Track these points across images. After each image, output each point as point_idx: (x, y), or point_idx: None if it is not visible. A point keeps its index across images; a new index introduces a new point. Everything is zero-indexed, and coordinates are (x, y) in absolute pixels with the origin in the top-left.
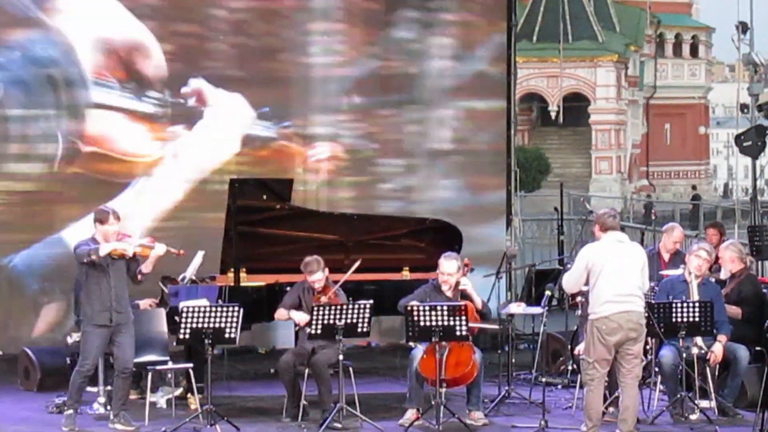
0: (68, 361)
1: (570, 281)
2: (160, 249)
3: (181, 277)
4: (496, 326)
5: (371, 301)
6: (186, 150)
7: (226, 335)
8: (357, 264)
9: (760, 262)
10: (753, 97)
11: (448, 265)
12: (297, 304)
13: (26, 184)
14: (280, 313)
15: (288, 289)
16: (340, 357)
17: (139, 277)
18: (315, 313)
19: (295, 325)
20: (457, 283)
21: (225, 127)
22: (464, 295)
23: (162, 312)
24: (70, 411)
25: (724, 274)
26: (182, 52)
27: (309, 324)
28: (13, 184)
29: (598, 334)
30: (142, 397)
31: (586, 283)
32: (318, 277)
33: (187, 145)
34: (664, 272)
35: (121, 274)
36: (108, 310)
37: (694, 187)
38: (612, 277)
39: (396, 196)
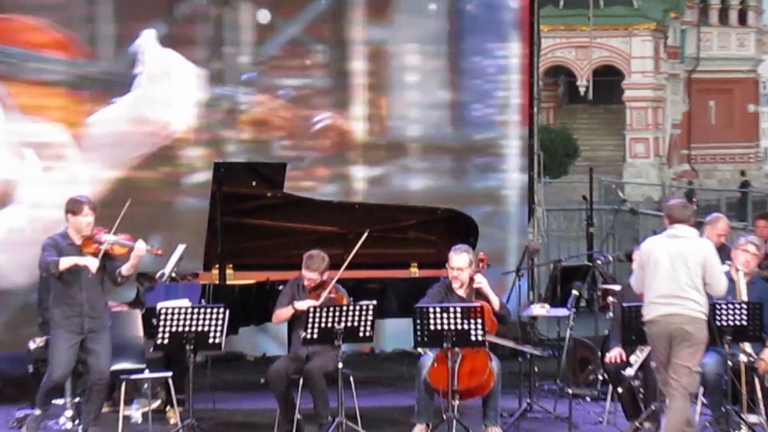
0: (31, 369)
1: (635, 282)
2: (140, 248)
3: (159, 274)
4: (531, 348)
5: (375, 302)
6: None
7: (210, 340)
8: (364, 236)
9: None
10: None
11: (459, 258)
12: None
13: None
14: (280, 313)
15: (281, 288)
16: (340, 365)
17: (119, 279)
18: (311, 314)
19: (296, 318)
20: (471, 281)
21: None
22: (480, 294)
23: (137, 314)
24: (38, 412)
25: None
26: None
27: (305, 326)
28: None
29: (648, 339)
30: (115, 410)
31: None
32: (313, 276)
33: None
34: None
35: (95, 276)
36: (79, 316)
37: (742, 173)
38: (657, 276)
39: (400, 183)
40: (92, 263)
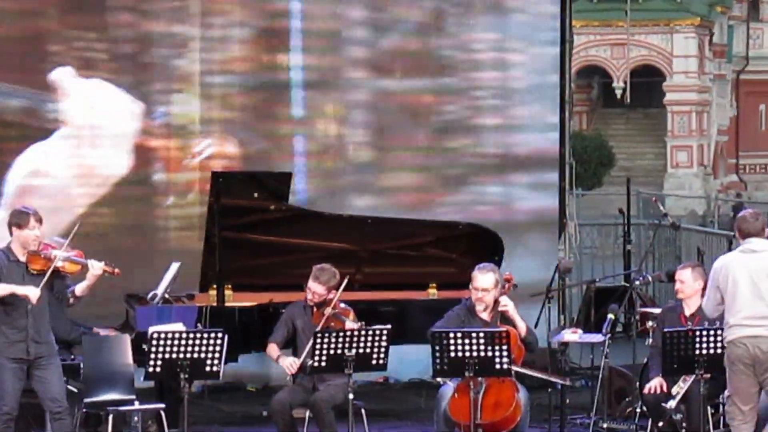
0: None
1: (707, 304)
2: (95, 267)
3: (150, 295)
4: (560, 379)
5: (389, 327)
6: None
7: (207, 368)
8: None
9: None
10: None
11: (484, 278)
12: (290, 335)
13: None
14: (270, 350)
15: (284, 311)
16: (350, 396)
17: (71, 300)
18: (319, 340)
19: (296, 337)
20: (497, 303)
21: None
22: (505, 319)
23: (126, 339)
24: None
25: None
26: None
27: (305, 361)
28: None
29: (728, 363)
30: None
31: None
32: (319, 290)
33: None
34: None
35: (44, 294)
36: (24, 341)
37: None
38: (738, 297)
39: (421, 196)
40: (33, 293)
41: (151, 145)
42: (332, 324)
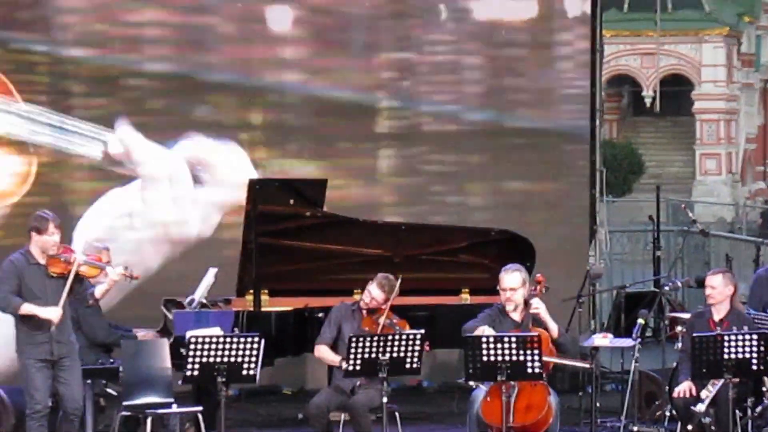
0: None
1: None
2: (113, 273)
3: (188, 300)
4: (584, 363)
5: (422, 331)
6: None
7: (244, 372)
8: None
9: None
10: None
11: (509, 278)
12: (336, 335)
13: None
14: (323, 351)
15: (321, 315)
16: (384, 399)
17: (90, 301)
18: (354, 344)
19: (338, 348)
20: (528, 305)
21: None
22: (537, 321)
23: (165, 343)
24: None
25: None
26: None
27: (346, 358)
28: None
29: None
30: None
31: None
32: (379, 296)
33: None
34: None
35: (62, 298)
36: (48, 342)
37: None
38: None
39: (452, 203)
40: (55, 316)
41: None
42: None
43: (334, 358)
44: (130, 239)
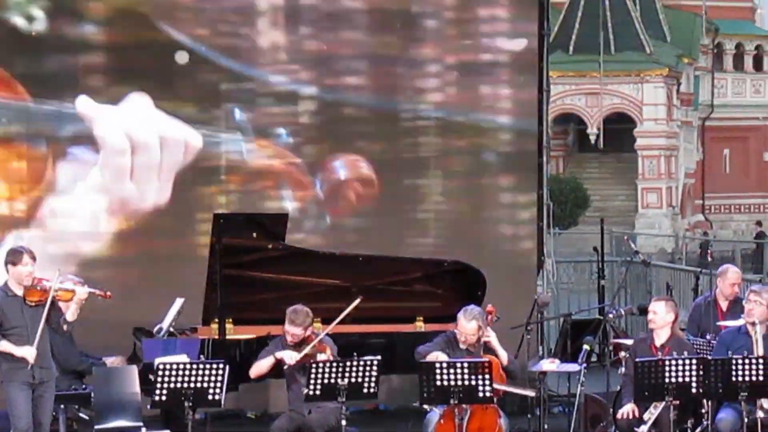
0: None
1: None
2: (81, 292)
3: (156, 328)
4: (530, 392)
5: (379, 357)
6: None
7: (210, 397)
8: (355, 303)
9: None
10: None
11: (468, 326)
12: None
13: None
14: (259, 365)
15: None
16: (343, 422)
17: (65, 326)
18: (313, 370)
19: (283, 371)
20: (479, 337)
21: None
22: (487, 349)
23: (134, 370)
24: None
25: None
26: None
27: (306, 384)
28: None
29: None
30: None
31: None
32: (296, 331)
33: None
34: (722, 323)
35: (40, 327)
36: (30, 367)
37: (758, 223)
38: None
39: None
40: (30, 355)
41: None
42: (310, 359)
43: (266, 361)
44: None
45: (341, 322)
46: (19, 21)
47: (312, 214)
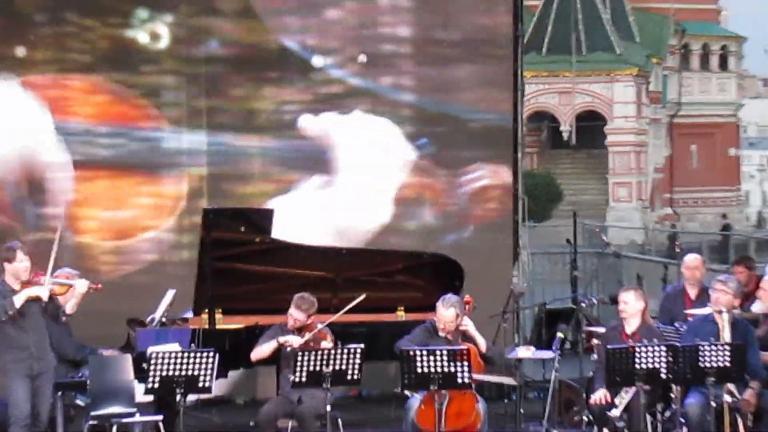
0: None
1: None
2: (80, 286)
3: (149, 318)
4: (509, 379)
5: (362, 346)
6: None
7: (200, 384)
8: (359, 299)
9: None
10: None
11: (447, 313)
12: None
13: None
14: (261, 349)
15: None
16: (328, 408)
17: (63, 318)
18: (299, 358)
19: (280, 353)
20: (457, 325)
21: None
22: (466, 337)
23: (128, 358)
24: None
25: (758, 308)
26: None
27: (293, 371)
28: None
29: None
30: None
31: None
32: (300, 316)
33: None
34: (690, 311)
35: (39, 318)
36: (29, 358)
37: (724, 216)
38: None
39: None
40: (43, 292)
41: None
42: (312, 345)
43: (268, 345)
44: None
45: (325, 312)
46: None
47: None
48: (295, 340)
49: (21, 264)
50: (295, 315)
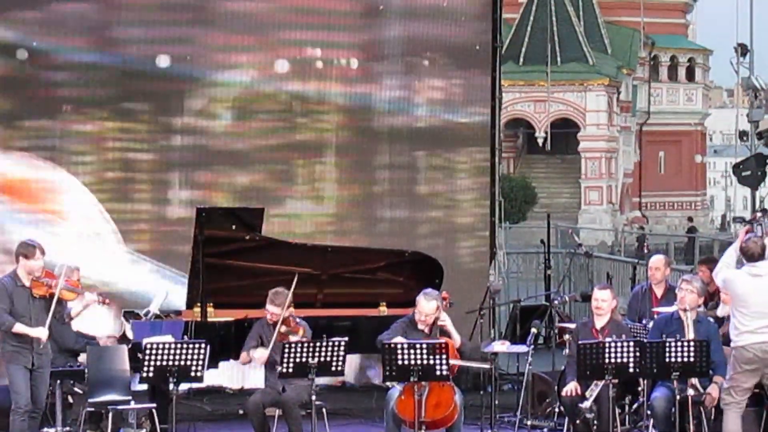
0: None
1: (723, 309)
2: (90, 299)
3: (144, 311)
4: (484, 364)
5: (346, 338)
6: None
7: (192, 373)
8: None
9: None
10: (752, 123)
11: (428, 305)
12: (258, 345)
13: None
14: (243, 357)
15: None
16: (313, 397)
17: (66, 319)
18: (286, 350)
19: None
20: (435, 319)
21: None
22: (443, 332)
23: (124, 348)
24: None
25: (722, 312)
26: None
27: (280, 362)
28: None
29: (735, 363)
30: None
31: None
32: (276, 311)
33: None
34: (657, 309)
35: (43, 316)
36: (30, 352)
37: (690, 219)
38: (748, 310)
39: (376, 228)
40: (42, 334)
41: None
42: (284, 338)
43: (245, 358)
44: None
45: (309, 306)
46: None
47: None
48: (260, 357)
49: (37, 263)
50: (270, 309)
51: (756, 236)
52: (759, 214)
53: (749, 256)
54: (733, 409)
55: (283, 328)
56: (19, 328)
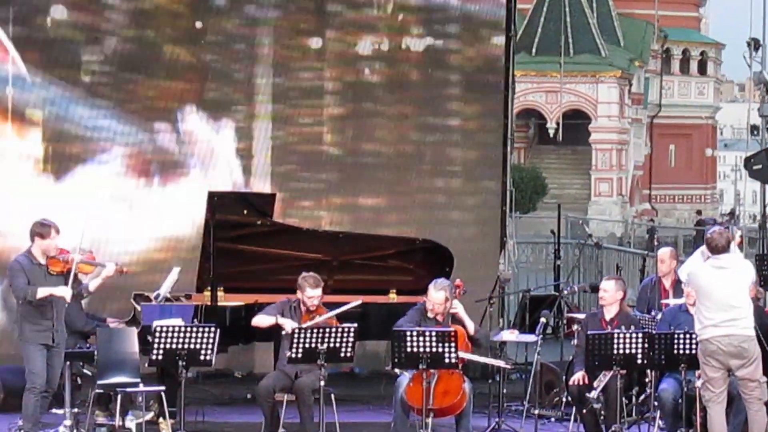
0: None
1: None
2: (111, 268)
3: (155, 294)
4: (502, 362)
5: (355, 325)
6: None
7: (202, 357)
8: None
9: None
10: (764, 118)
11: (437, 296)
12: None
13: None
14: (262, 318)
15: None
16: (322, 383)
17: (84, 294)
18: (296, 335)
19: (272, 334)
20: (447, 309)
21: None
22: (455, 319)
23: (134, 331)
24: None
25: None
26: None
27: (290, 347)
28: None
29: (702, 356)
30: (111, 420)
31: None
32: (316, 293)
33: None
34: (666, 301)
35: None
36: (50, 330)
37: (698, 212)
38: (712, 303)
39: (386, 216)
40: (66, 293)
41: None
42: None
43: (268, 320)
44: None
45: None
46: None
47: None
48: (289, 326)
49: (53, 241)
50: (313, 294)
51: (722, 228)
52: (727, 218)
53: (713, 248)
54: (714, 403)
55: (321, 320)
56: (43, 291)
